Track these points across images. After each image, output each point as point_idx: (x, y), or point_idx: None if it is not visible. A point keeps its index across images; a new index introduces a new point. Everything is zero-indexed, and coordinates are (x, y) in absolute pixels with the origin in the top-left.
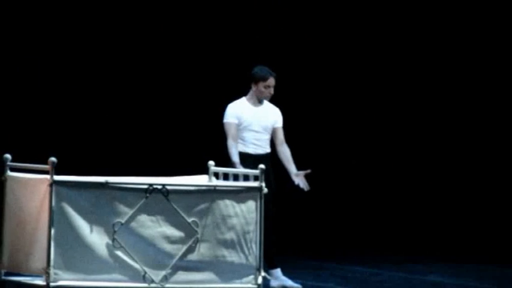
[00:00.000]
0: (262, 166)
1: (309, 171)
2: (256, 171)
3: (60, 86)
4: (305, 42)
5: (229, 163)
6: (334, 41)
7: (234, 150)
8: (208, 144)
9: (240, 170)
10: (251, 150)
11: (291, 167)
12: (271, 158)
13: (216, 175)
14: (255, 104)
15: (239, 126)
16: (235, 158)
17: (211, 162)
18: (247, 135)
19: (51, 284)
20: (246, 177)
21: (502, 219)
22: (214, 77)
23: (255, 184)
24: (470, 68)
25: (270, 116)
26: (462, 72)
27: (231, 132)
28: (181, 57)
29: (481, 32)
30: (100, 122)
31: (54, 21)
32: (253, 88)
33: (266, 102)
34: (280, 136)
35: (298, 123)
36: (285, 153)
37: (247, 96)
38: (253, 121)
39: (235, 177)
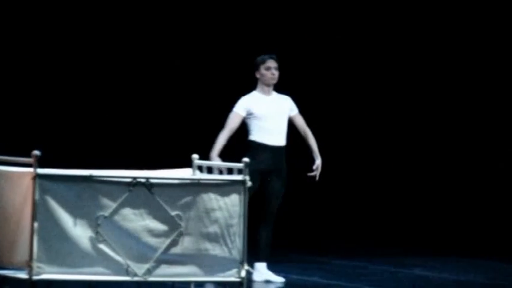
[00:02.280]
0: (245, 159)
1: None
2: (239, 165)
3: (44, 79)
4: (309, 40)
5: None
6: (339, 39)
7: (220, 142)
8: (192, 138)
9: (218, 163)
10: (268, 141)
11: (315, 153)
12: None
13: (200, 168)
14: (265, 94)
15: (254, 118)
16: (215, 151)
17: (195, 156)
18: (263, 125)
19: (34, 277)
20: (230, 171)
21: (486, 213)
22: (198, 70)
23: (239, 177)
24: (470, 68)
25: (283, 103)
26: (462, 72)
27: (230, 123)
28: (166, 51)
29: (481, 32)
30: (84, 115)
31: (36, 15)
32: (258, 76)
33: (275, 93)
34: (301, 122)
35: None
36: (309, 137)
37: (257, 89)
38: (268, 110)
39: (219, 171)
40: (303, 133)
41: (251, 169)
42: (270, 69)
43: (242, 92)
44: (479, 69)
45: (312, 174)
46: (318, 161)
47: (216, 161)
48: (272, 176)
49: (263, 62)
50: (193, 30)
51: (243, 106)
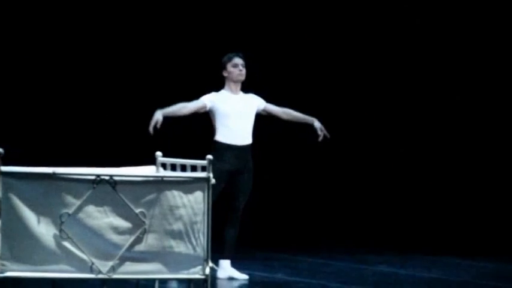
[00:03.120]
0: (209, 156)
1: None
2: (203, 162)
3: (7, 75)
4: (310, 40)
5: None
6: (335, 41)
7: (173, 107)
8: (155, 135)
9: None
10: (233, 141)
11: (307, 119)
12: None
13: (164, 166)
14: (233, 93)
15: (219, 116)
16: (163, 110)
17: (158, 153)
18: (228, 123)
19: None
20: (194, 168)
21: (451, 211)
22: (162, 69)
23: (203, 175)
24: (471, 68)
25: (250, 101)
26: (462, 72)
27: (192, 102)
28: (131, 49)
29: (481, 32)
30: (48, 113)
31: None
32: (225, 74)
33: (242, 92)
34: (274, 107)
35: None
36: (292, 113)
37: (225, 88)
38: (234, 108)
39: (183, 168)
40: (283, 114)
41: (218, 170)
42: (237, 66)
43: (208, 91)
44: (479, 70)
45: (321, 138)
46: (316, 123)
47: (156, 116)
48: (239, 174)
49: (230, 60)
50: (160, 30)
51: (210, 98)
